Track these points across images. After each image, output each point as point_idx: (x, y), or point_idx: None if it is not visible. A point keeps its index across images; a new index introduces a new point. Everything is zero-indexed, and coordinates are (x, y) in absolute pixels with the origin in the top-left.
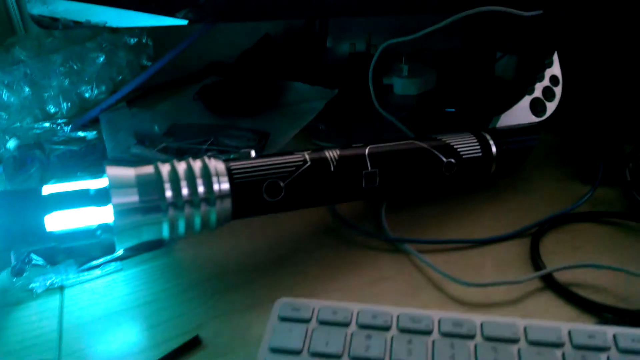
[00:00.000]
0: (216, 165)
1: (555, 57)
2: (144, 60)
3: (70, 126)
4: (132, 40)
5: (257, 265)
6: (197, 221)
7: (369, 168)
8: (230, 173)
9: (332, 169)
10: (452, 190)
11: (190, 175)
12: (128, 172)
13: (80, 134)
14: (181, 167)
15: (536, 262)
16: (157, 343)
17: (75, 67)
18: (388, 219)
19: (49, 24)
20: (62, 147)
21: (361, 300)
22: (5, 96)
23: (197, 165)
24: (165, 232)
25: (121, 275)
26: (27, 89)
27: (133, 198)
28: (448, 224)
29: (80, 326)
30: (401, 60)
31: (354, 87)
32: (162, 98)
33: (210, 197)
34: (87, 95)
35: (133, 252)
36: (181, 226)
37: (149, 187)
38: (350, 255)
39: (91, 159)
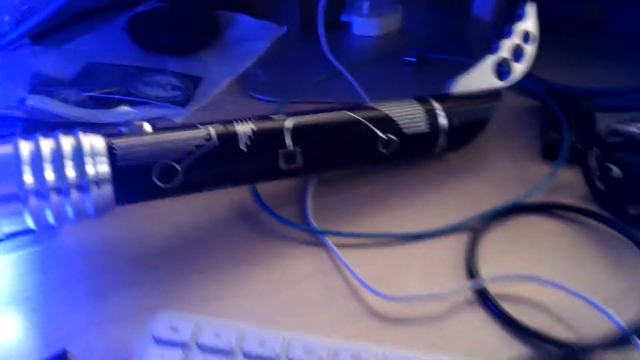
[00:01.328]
0: (93, 142)
1: (532, 6)
2: None
3: None
4: None
5: (151, 258)
6: (69, 211)
7: (290, 146)
8: (111, 153)
9: (245, 148)
10: (389, 168)
11: (57, 155)
12: None
13: None
14: (47, 145)
15: (470, 267)
16: (20, 354)
17: None
18: (313, 201)
19: None
20: None
21: (264, 310)
22: None
23: (67, 142)
24: (30, 223)
25: None
26: None
27: None
28: (380, 210)
29: None
30: None
31: (305, 25)
32: (86, 29)
33: (82, 182)
34: None
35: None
36: (49, 217)
37: (5, 171)
38: (263, 249)
39: None
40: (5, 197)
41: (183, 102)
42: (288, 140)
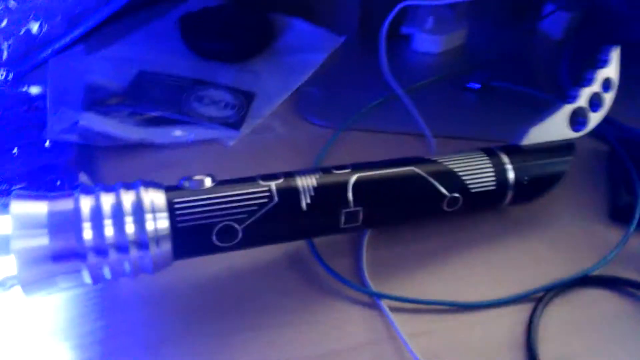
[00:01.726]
0: (153, 199)
1: (616, 52)
2: None
3: (11, 75)
4: None
5: (204, 309)
6: (127, 267)
7: (351, 205)
8: (171, 211)
9: (305, 207)
10: (448, 221)
11: (118, 212)
12: (38, 209)
13: (24, 88)
14: (107, 201)
15: (530, 348)
16: None
17: None
18: (368, 254)
19: None
20: None
21: None
22: None
23: (128, 198)
24: (87, 279)
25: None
26: None
27: (41, 242)
28: (437, 270)
29: None
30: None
31: (364, 33)
32: (136, 25)
33: (142, 239)
34: (35, 31)
35: None
36: (106, 272)
37: (64, 228)
38: (317, 306)
39: (29, 132)
40: (64, 254)
41: (236, 124)
42: (350, 197)
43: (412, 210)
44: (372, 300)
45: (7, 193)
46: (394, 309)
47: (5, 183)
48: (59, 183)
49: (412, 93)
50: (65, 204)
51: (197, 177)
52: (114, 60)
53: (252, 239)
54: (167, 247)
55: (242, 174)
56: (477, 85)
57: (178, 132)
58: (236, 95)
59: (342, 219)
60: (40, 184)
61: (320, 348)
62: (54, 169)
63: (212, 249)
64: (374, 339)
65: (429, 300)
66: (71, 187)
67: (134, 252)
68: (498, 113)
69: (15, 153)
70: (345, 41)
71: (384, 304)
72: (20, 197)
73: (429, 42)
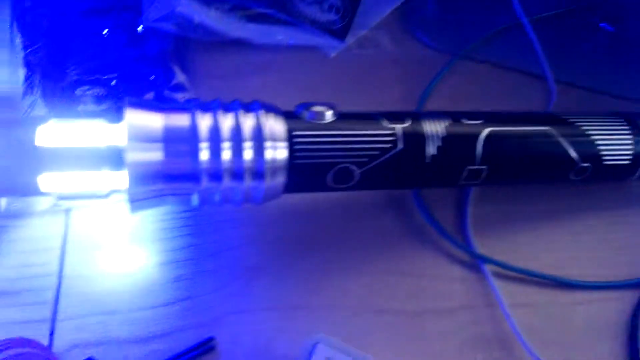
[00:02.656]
0: (273, 126)
1: None
2: None
3: None
4: None
5: (302, 245)
6: (238, 195)
7: (478, 162)
8: (290, 144)
9: (429, 158)
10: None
11: (237, 135)
12: (154, 121)
13: None
14: (226, 122)
15: (633, 340)
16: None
17: None
18: (473, 210)
19: None
20: None
21: (402, 336)
22: None
23: (248, 122)
24: (195, 203)
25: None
26: None
27: (156, 156)
28: (545, 238)
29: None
30: None
31: None
32: None
33: (259, 168)
34: None
35: None
36: (216, 199)
37: (180, 145)
38: (416, 259)
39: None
40: (177, 174)
41: (341, 33)
42: (478, 153)
43: (537, 175)
44: (474, 262)
45: (100, 83)
46: (496, 275)
47: (96, 72)
48: (152, 78)
49: (538, 24)
50: (181, 120)
51: (318, 108)
52: None
53: (367, 183)
54: (281, 179)
55: (341, 91)
56: (611, 29)
57: (279, 34)
58: None
59: (464, 175)
60: (133, 77)
61: (414, 304)
62: (147, 61)
63: (324, 188)
64: (472, 303)
65: (535, 273)
66: (167, 86)
67: (248, 181)
68: (631, 62)
69: (105, 34)
70: None
71: (487, 268)
72: (134, 105)
73: None
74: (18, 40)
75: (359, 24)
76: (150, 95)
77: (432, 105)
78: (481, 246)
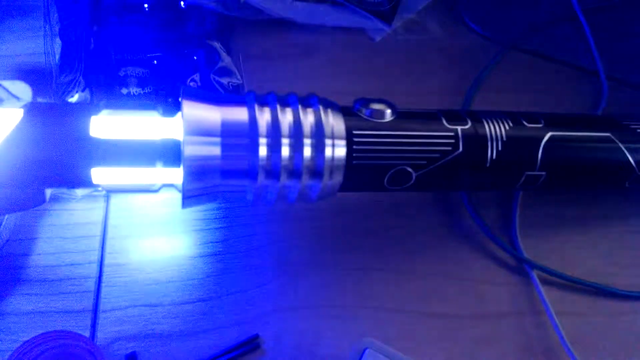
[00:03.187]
0: (333, 124)
1: None
2: None
3: None
4: None
5: (345, 242)
6: (294, 193)
7: (537, 168)
8: (349, 143)
9: (488, 163)
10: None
11: (297, 132)
12: (211, 115)
13: None
14: (286, 118)
15: None
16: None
17: None
18: (521, 211)
19: None
20: None
21: (444, 341)
22: None
23: (308, 119)
24: (249, 200)
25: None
26: None
27: (213, 152)
28: (594, 243)
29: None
30: None
31: None
32: None
33: (318, 167)
34: None
35: None
36: (271, 197)
37: (238, 140)
38: (462, 261)
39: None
40: (235, 170)
41: (387, 16)
42: (539, 158)
43: (593, 182)
44: (521, 266)
45: (142, 62)
46: (543, 280)
47: (139, 52)
48: (195, 58)
49: (592, 15)
50: (239, 114)
51: (377, 106)
52: None
53: (423, 185)
54: (338, 179)
55: (386, 76)
56: None
57: (325, 14)
58: None
59: (522, 180)
60: (175, 57)
61: (459, 308)
62: (189, 40)
63: (379, 189)
64: (518, 310)
65: (585, 282)
66: (212, 69)
67: (305, 179)
68: None
69: (146, 8)
70: None
71: (535, 274)
72: (190, 96)
73: None
74: (54, 11)
75: (406, 7)
76: (196, 77)
77: (480, 96)
78: (528, 250)
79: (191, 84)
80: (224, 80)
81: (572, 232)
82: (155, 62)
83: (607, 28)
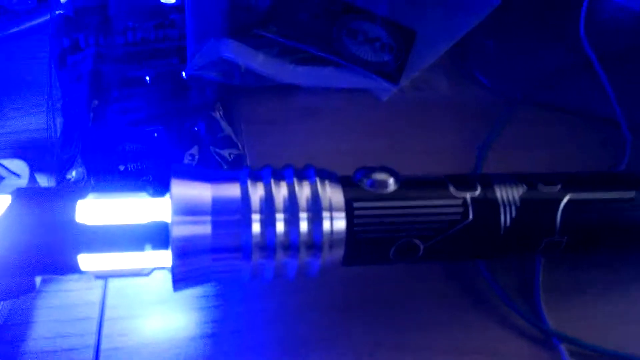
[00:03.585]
0: (331, 196)
1: None
2: None
3: None
4: None
5: (352, 313)
6: (292, 270)
7: (556, 234)
8: (350, 214)
9: (502, 231)
10: None
11: (292, 205)
12: (201, 193)
13: None
14: (280, 192)
15: None
16: None
17: None
18: (544, 277)
19: None
20: (128, 21)
21: None
22: None
23: (304, 191)
24: (245, 279)
25: None
26: None
27: (203, 231)
28: (627, 314)
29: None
30: None
31: None
32: None
33: (316, 241)
34: None
35: None
36: (268, 275)
37: (230, 217)
38: (479, 332)
39: (165, 47)
40: (227, 248)
41: (394, 75)
42: (557, 224)
43: (621, 245)
44: (547, 338)
45: (143, 138)
46: (574, 354)
47: (140, 126)
48: (197, 130)
49: (608, 61)
50: (231, 190)
51: (379, 176)
52: None
53: (432, 257)
54: (339, 253)
55: (395, 137)
56: None
57: (329, 77)
58: (394, 32)
59: (541, 247)
60: (176, 129)
61: None
62: (191, 112)
63: (385, 262)
64: None
65: (621, 354)
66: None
67: (304, 255)
68: None
69: (148, 80)
70: None
71: (564, 347)
72: (179, 174)
73: None
74: (57, 87)
75: (413, 65)
76: (194, 151)
77: (493, 154)
78: (553, 319)
79: (187, 159)
80: (225, 152)
81: (600, 298)
82: (155, 134)
83: (624, 73)
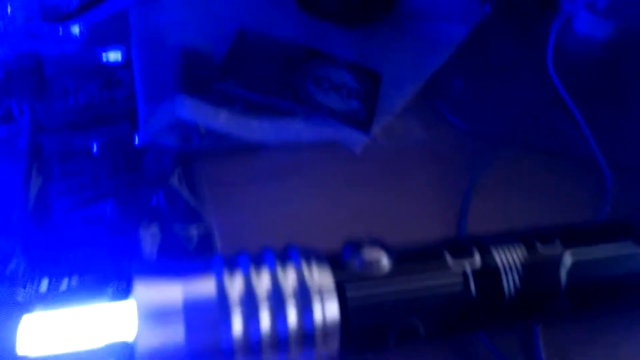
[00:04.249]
0: (321, 281)
1: None
2: None
3: (81, 30)
4: None
5: None
6: None
7: (562, 297)
8: (342, 300)
9: (505, 301)
10: None
11: (277, 296)
12: (171, 293)
13: (100, 52)
14: (262, 282)
15: None
16: None
17: None
18: (546, 346)
19: None
20: (69, 81)
21: None
22: None
23: (289, 279)
24: None
25: None
26: None
27: (177, 337)
28: None
29: None
30: None
31: (511, 6)
32: None
33: (308, 333)
34: None
35: None
36: None
37: (205, 316)
38: None
39: (114, 112)
40: (204, 354)
41: (365, 123)
42: (562, 286)
43: (622, 301)
44: None
45: (92, 217)
46: None
47: (87, 205)
48: (154, 204)
49: (581, 98)
50: (204, 285)
51: (370, 255)
52: (206, 12)
53: (433, 335)
54: (334, 344)
55: (372, 190)
56: None
57: (296, 130)
58: (360, 76)
59: (546, 312)
60: (130, 204)
61: None
62: (146, 181)
63: (385, 347)
64: None
65: None
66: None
67: (294, 350)
68: None
69: (95, 151)
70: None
71: None
72: (143, 274)
73: (599, 25)
74: None
75: (383, 110)
76: (154, 229)
77: (476, 203)
78: None
79: (147, 240)
80: (191, 230)
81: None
82: (107, 212)
83: (599, 109)
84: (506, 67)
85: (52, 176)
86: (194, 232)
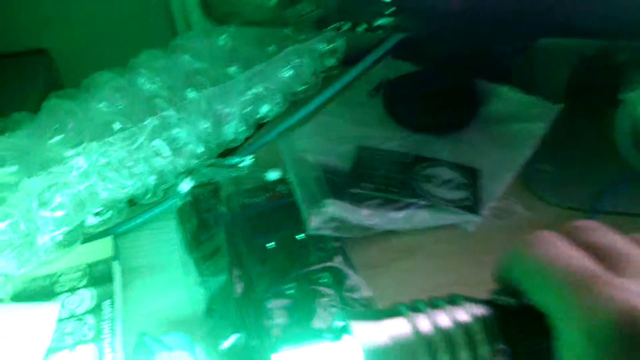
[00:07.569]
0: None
1: None
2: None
3: (248, 159)
4: (323, 47)
5: None
6: None
7: None
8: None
9: None
10: None
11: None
12: (379, 336)
13: (263, 174)
14: (442, 321)
15: None
16: None
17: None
18: None
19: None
20: (244, 199)
21: None
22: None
23: (461, 317)
24: None
25: None
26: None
27: None
28: None
29: None
30: None
31: (575, 100)
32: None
33: None
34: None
35: None
36: None
37: (416, 353)
38: None
39: (281, 216)
40: None
41: (474, 207)
42: None
43: None
44: None
45: (280, 294)
46: None
47: (276, 287)
48: (325, 281)
49: None
50: (401, 329)
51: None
52: (330, 137)
53: None
54: None
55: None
56: None
57: (421, 218)
58: (463, 172)
59: None
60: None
61: None
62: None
63: None
64: None
65: None
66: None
67: None
68: None
69: (271, 247)
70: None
71: None
72: (353, 315)
73: None
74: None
75: (489, 195)
76: (329, 300)
77: None
78: None
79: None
80: (356, 296)
81: None
82: (292, 291)
83: None
84: (579, 149)
85: (252, 271)
86: (358, 297)
